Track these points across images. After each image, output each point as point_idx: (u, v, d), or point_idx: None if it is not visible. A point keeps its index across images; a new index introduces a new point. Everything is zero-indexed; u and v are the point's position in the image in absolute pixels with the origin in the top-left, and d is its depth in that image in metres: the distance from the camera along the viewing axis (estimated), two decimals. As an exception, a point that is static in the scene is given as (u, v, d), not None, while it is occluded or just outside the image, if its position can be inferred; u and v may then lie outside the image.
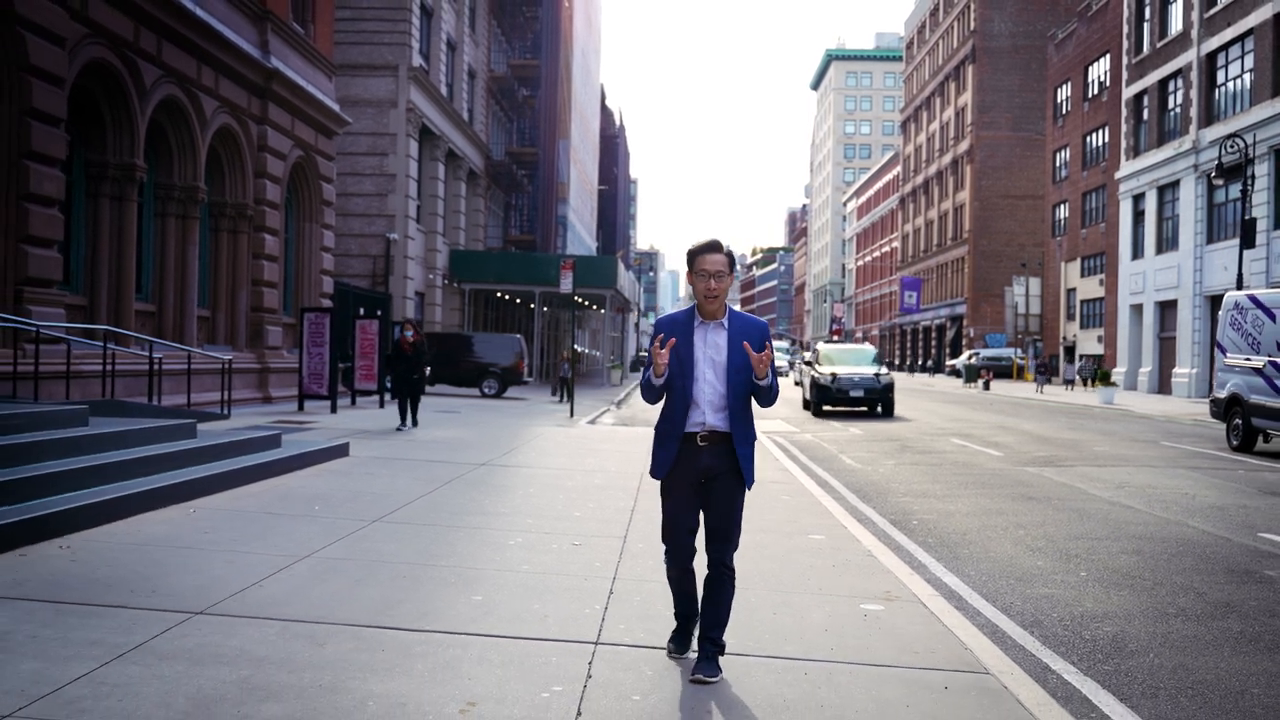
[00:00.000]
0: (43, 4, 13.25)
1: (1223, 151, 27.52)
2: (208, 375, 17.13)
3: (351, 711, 3.62)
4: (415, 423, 16.20)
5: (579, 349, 32.24)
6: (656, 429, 4.32)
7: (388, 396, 21.84)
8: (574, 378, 24.29)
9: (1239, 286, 25.41)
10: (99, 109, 15.52)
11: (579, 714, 3.73)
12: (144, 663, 4.01)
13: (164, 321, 17.16)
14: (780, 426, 20.23)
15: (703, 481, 4.21)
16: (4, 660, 3.95)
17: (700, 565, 4.35)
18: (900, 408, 26.90)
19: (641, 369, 4.36)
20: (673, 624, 4.61)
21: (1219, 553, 7.75)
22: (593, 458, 12.93)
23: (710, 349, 4.21)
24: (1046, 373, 43.48)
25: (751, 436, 4.27)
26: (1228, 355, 16.72)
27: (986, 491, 11.08)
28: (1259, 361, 15.62)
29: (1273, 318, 15.50)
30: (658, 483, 4.35)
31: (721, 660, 4.27)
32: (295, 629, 4.56)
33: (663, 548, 4.39)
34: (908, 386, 44.28)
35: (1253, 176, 28.86)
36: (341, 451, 11.37)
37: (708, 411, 4.18)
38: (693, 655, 4.38)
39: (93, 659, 4.01)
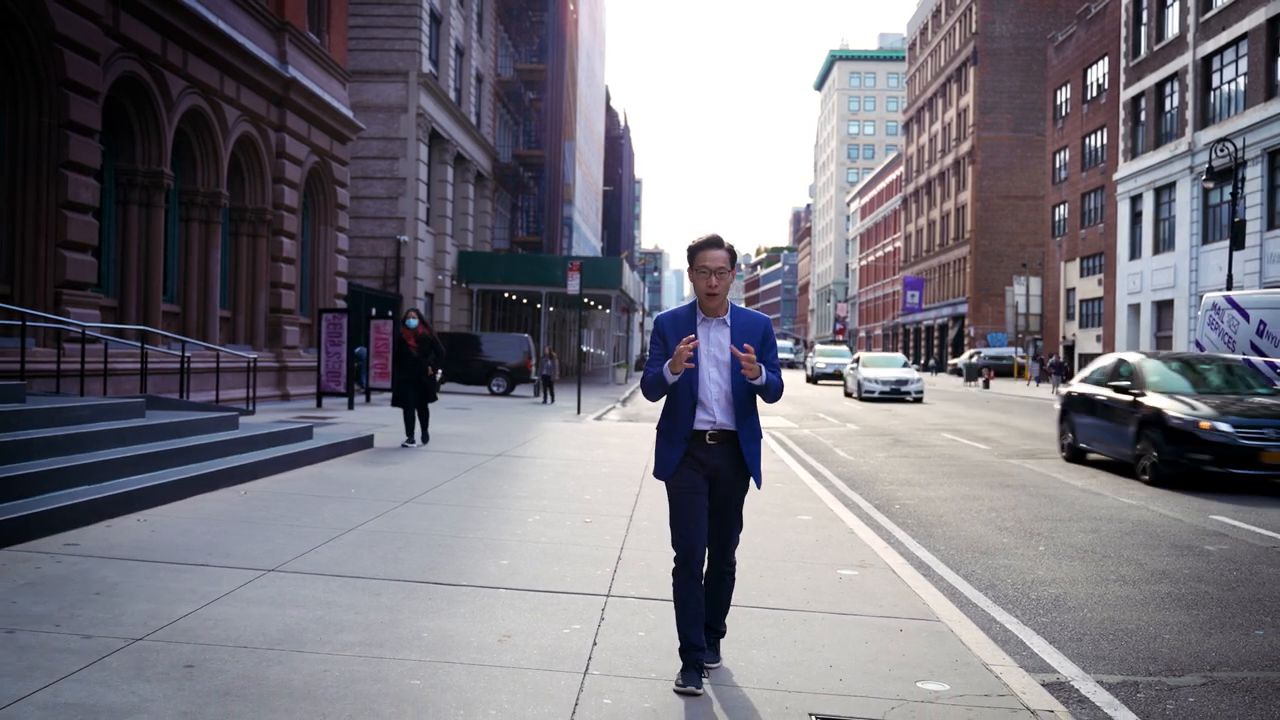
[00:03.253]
0: (79, 21, 14.03)
1: (1213, 155, 28.23)
2: (232, 373, 17.96)
3: (411, 640, 4.46)
4: (426, 437, 13.27)
5: (586, 349, 32.77)
6: (659, 428, 4.26)
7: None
8: (579, 372, 24.90)
9: (1229, 287, 26.13)
10: (129, 119, 16.31)
11: (595, 644, 4.57)
12: (236, 605, 4.86)
13: (188, 322, 17.97)
14: (781, 423, 21.03)
15: (709, 480, 4.16)
16: (124, 601, 4.82)
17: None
18: (898, 405, 27.72)
19: (645, 367, 4.14)
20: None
21: (1169, 531, 8.55)
22: (600, 450, 13.75)
23: (714, 347, 4.16)
24: (1064, 373, 41.70)
25: (758, 434, 4.24)
26: (1205, 354, 17.49)
27: (968, 481, 11.88)
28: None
29: (1247, 318, 16.29)
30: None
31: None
32: (354, 583, 5.42)
33: (668, 531, 4.31)
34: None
35: (1243, 180, 29.55)
36: (367, 443, 12.22)
37: (715, 410, 4.13)
38: (704, 691, 4.12)
39: (193, 601, 4.86)
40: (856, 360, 35.32)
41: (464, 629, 4.66)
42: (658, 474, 4.25)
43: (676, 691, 4.07)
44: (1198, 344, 18.09)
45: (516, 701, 3.77)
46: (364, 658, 4.16)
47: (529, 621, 4.86)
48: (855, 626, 5.11)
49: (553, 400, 26.21)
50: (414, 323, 13.31)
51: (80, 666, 3.87)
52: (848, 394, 33.57)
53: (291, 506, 7.76)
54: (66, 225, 13.93)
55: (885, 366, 32.60)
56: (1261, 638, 5.41)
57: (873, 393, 30.95)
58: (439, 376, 14.12)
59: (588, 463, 12.06)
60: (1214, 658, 5.04)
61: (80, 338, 12.74)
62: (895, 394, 30.76)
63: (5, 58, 13.14)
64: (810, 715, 3.84)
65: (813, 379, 46.21)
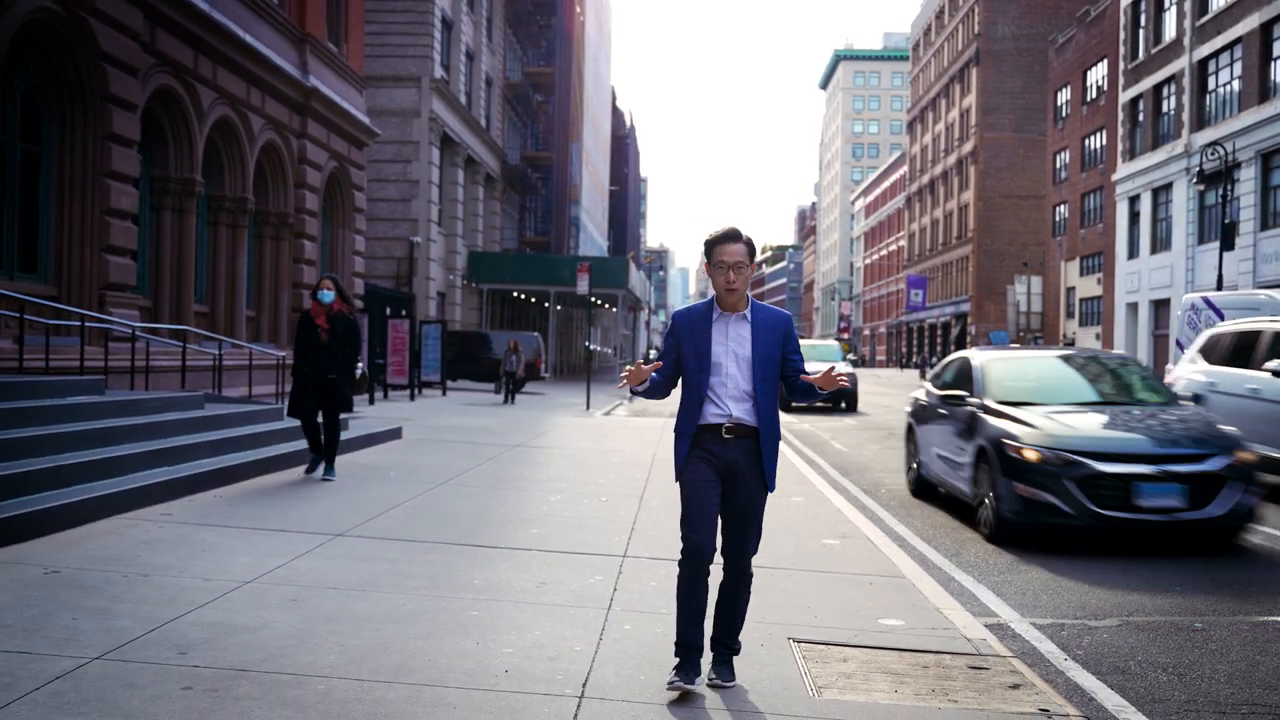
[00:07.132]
0: (121, 39, 14.99)
1: (1204, 158, 29.03)
2: (260, 370, 18.94)
3: (465, 585, 5.46)
4: (330, 466, 9.08)
5: (592, 347, 33.22)
6: (676, 429, 4.12)
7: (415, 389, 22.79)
8: (588, 370, 25.67)
9: (1219, 287, 26.96)
10: (163, 130, 17.28)
11: (615, 589, 5.56)
12: (317, 559, 5.87)
13: (216, 321, 18.94)
14: (780, 417, 21.96)
15: (724, 476, 4.02)
16: (226, 555, 5.84)
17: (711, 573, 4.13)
18: (898, 401, 28.65)
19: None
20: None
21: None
22: (611, 441, 14.73)
23: (733, 342, 4.02)
24: None
25: (777, 434, 4.10)
26: (1185, 352, 18.37)
27: (952, 469, 12.80)
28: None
29: (1222, 317, 17.16)
30: (670, 460, 4.25)
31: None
32: (410, 545, 6.44)
33: (677, 510, 4.16)
34: (913, 383, 45.95)
35: (1235, 181, 30.36)
36: (396, 434, 13.22)
37: (731, 405, 4.01)
38: (698, 685, 4.02)
39: (282, 556, 5.86)
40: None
41: (507, 578, 5.65)
42: (679, 477, 4.07)
43: (669, 689, 3.92)
44: (1178, 343, 18.98)
45: (557, 626, 4.76)
46: (430, 596, 5.16)
47: (560, 574, 5.84)
48: (832, 581, 6.07)
49: (513, 401, 23.95)
50: (329, 295, 8.93)
51: (210, 599, 4.87)
52: None
53: (342, 486, 8.77)
54: (109, 231, 14.87)
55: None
56: (1179, 592, 6.36)
57: None
58: (360, 374, 9.61)
59: (600, 453, 13.03)
60: (1133, 607, 5.99)
61: (130, 337, 13.71)
62: None
63: (55, 76, 14.12)
64: (788, 638, 4.80)
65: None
